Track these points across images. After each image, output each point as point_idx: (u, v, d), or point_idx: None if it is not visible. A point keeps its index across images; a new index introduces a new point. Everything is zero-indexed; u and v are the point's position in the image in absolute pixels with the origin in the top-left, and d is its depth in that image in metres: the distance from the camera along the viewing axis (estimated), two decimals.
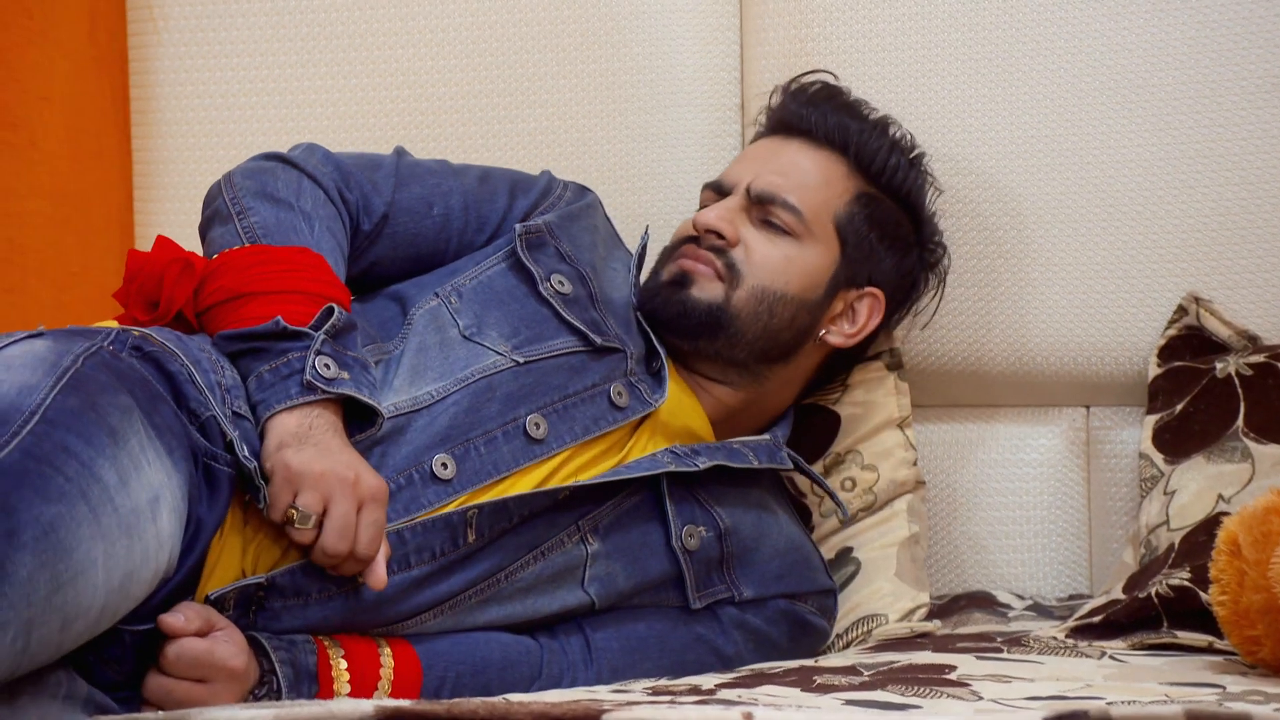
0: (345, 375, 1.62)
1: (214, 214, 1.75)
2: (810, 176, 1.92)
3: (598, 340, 1.79)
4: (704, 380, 1.89)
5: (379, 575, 1.57)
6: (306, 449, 1.56)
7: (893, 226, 1.95)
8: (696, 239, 1.90)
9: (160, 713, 1.47)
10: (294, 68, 2.19)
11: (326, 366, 1.61)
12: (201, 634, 1.52)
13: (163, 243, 1.70)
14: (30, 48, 2.30)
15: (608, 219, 1.98)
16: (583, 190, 1.97)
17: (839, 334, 1.93)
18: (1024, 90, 2.12)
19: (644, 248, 1.94)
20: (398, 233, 1.84)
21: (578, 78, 2.18)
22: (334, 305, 1.65)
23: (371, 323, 1.77)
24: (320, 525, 1.55)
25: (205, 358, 1.61)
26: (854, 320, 1.94)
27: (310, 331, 1.62)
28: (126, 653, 1.51)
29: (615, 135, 2.18)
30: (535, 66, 2.19)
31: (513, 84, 2.18)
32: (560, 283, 1.82)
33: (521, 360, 1.74)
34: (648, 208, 2.17)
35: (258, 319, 1.63)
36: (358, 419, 1.64)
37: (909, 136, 1.99)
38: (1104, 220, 2.12)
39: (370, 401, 1.63)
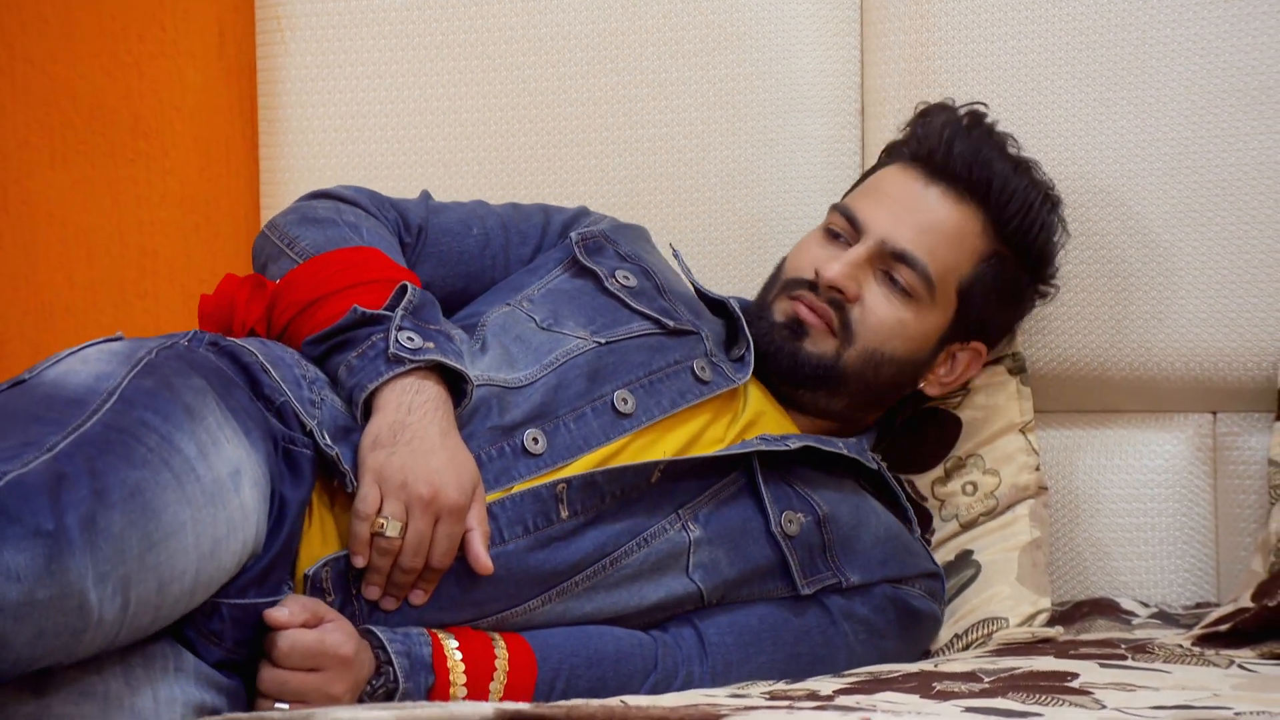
0: (430, 345, 1.66)
1: (266, 257, 1.81)
2: (944, 236, 1.89)
3: (670, 324, 1.83)
4: (792, 408, 1.91)
5: (479, 557, 1.61)
6: (398, 450, 1.60)
7: (1013, 285, 1.95)
8: (814, 285, 1.88)
9: (288, 710, 1.50)
10: (419, 77, 2.22)
11: (410, 339, 1.66)
12: (309, 625, 1.55)
13: (230, 279, 1.77)
14: (163, 59, 2.36)
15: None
16: (628, 225, 1.98)
17: (935, 384, 1.96)
18: (1150, 93, 2.10)
19: (679, 260, 1.96)
20: (443, 251, 1.89)
21: (698, 83, 2.19)
22: (406, 284, 1.70)
23: None
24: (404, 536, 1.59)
25: (288, 354, 1.67)
26: (952, 370, 1.96)
27: (388, 313, 1.67)
28: (226, 628, 1.54)
29: (735, 140, 2.18)
30: (656, 73, 2.19)
31: (633, 90, 2.20)
32: (625, 277, 1.86)
33: (603, 341, 1.79)
34: (767, 213, 2.18)
35: (335, 316, 1.68)
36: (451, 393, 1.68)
37: (1049, 187, 1.95)
38: (1232, 224, 2.09)
39: (457, 366, 1.66)
